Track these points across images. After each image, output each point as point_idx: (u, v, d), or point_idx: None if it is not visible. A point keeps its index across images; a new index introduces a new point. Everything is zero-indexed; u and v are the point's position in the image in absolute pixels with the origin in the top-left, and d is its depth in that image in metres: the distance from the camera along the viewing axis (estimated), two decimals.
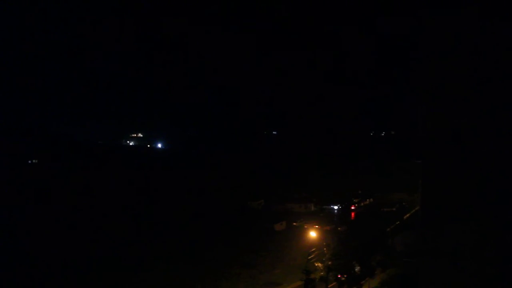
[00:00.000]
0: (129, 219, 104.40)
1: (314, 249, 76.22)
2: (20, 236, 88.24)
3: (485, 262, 43.94)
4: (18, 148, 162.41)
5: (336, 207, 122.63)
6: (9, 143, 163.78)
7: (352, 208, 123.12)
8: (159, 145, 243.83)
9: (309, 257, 72.63)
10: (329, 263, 58.40)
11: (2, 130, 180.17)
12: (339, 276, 56.53)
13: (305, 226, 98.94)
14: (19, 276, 69.95)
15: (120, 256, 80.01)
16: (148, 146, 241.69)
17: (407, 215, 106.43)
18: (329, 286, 58.66)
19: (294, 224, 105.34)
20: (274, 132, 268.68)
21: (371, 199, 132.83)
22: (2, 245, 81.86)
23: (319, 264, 61.02)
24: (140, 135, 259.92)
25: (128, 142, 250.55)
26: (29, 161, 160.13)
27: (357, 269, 56.05)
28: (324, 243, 67.31)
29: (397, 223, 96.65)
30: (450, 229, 50.81)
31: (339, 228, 73.20)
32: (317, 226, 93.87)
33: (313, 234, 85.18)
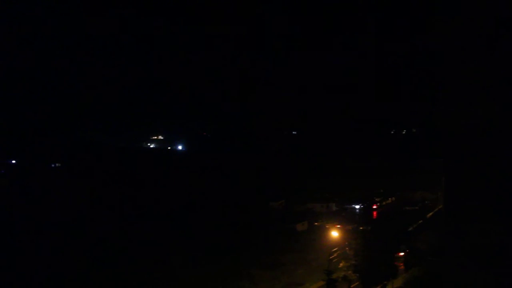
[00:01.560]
0: (150, 220, 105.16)
1: (336, 249, 75.91)
2: (47, 238, 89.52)
3: (510, 261, 43.34)
4: (41, 151, 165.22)
5: (357, 207, 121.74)
6: (32, 147, 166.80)
7: (374, 207, 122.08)
8: (180, 147, 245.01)
9: (331, 257, 72.35)
10: (352, 262, 58.17)
11: (25, 133, 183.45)
12: (361, 275, 56.27)
13: (327, 226, 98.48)
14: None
15: (140, 255, 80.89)
16: (169, 148, 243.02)
17: (430, 213, 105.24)
18: (351, 286, 58.43)
19: (316, 224, 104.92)
20: (294, 132, 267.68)
21: (393, 198, 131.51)
22: (31, 249, 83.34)
23: (342, 264, 60.83)
24: (160, 137, 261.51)
25: (148, 144, 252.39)
26: (52, 165, 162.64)
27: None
28: (346, 243, 67.06)
29: (420, 222, 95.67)
30: (474, 228, 50.19)
31: (361, 228, 72.58)
32: (338, 226, 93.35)
33: (335, 234, 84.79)
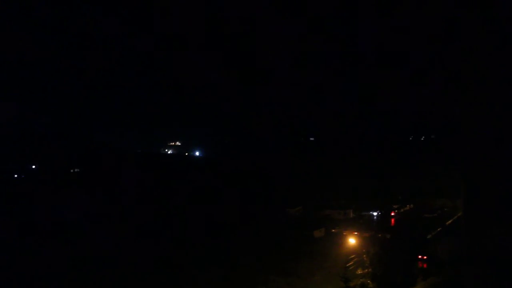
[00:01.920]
0: (168, 225, 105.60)
1: (353, 256, 75.25)
2: (66, 242, 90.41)
3: None
4: (60, 156, 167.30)
5: (375, 213, 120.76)
6: (52, 152, 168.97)
7: (392, 214, 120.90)
8: (197, 153, 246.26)
9: (348, 265, 71.72)
10: (369, 270, 57.57)
11: (45, 138, 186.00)
12: (378, 283, 55.64)
13: (344, 233, 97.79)
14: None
15: (159, 260, 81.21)
16: (186, 154, 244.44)
17: (449, 221, 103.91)
18: None
19: (333, 231, 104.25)
20: (311, 139, 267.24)
21: (412, 205, 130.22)
22: (50, 251, 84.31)
23: (359, 271, 60.25)
24: (178, 143, 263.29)
25: (166, 150, 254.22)
26: (71, 170, 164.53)
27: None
28: (364, 250, 66.41)
29: (439, 229, 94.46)
30: (495, 235, 49.32)
31: (378, 235, 71.84)
32: (356, 233, 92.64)
33: (352, 241, 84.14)
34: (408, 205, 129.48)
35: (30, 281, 71.80)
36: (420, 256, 63.12)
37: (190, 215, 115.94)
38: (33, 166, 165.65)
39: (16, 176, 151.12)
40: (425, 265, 61.33)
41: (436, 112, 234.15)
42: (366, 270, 58.66)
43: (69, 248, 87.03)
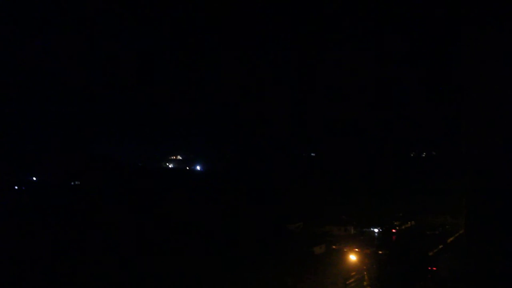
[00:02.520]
0: (165, 239, 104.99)
1: (354, 273, 74.73)
2: (66, 255, 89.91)
3: None
4: (61, 169, 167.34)
5: (376, 230, 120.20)
6: (52, 164, 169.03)
7: (393, 231, 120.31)
8: (198, 167, 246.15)
9: (348, 282, 71.17)
10: (370, 287, 57.14)
11: (46, 151, 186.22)
12: None
13: (345, 249, 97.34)
14: None
15: (156, 276, 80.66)
16: (187, 168, 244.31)
17: (451, 238, 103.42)
18: None
19: (334, 247, 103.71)
20: (312, 154, 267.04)
21: (413, 222, 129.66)
22: (49, 265, 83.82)
23: None
24: (179, 157, 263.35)
25: (167, 164, 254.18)
26: (72, 183, 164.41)
27: None
28: (364, 267, 65.98)
29: (440, 246, 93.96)
30: (497, 253, 48.94)
31: (379, 252, 71.49)
32: (357, 249, 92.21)
33: (353, 257, 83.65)
34: (409, 222, 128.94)
35: None
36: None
37: (189, 229, 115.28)
38: (34, 178, 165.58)
39: (16, 187, 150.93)
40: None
41: (437, 129, 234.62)
42: (366, 287, 58.15)
43: (67, 260, 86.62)
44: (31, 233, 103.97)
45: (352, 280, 73.03)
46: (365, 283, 59.51)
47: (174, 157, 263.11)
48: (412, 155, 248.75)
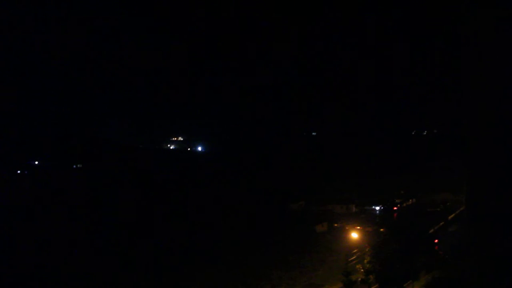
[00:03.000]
0: (171, 221, 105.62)
1: (355, 251, 75.32)
2: (67, 237, 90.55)
3: None
4: (62, 152, 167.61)
5: (378, 208, 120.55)
6: (54, 148, 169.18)
7: (395, 209, 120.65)
8: (199, 148, 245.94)
9: (350, 259, 71.75)
10: (370, 265, 57.53)
11: (47, 135, 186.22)
12: (378, 277, 55.68)
13: (347, 228, 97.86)
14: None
15: (162, 255, 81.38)
16: (189, 149, 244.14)
17: (452, 215, 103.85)
18: None
19: (335, 225, 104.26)
20: (313, 133, 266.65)
21: (414, 200, 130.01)
22: (52, 247, 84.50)
23: (360, 266, 60.25)
24: (180, 138, 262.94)
25: (168, 145, 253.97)
26: (74, 166, 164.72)
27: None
28: (366, 245, 66.41)
29: (441, 223, 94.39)
30: (498, 230, 49.20)
31: (381, 229, 71.82)
32: (358, 227, 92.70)
33: (354, 235, 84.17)
34: (410, 200, 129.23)
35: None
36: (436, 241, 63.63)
37: (192, 211, 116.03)
38: (36, 162, 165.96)
39: (19, 172, 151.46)
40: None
41: (438, 107, 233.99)
42: (368, 265, 58.61)
43: (70, 244, 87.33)
44: (34, 216, 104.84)
45: (353, 257, 73.62)
46: (366, 260, 59.99)
47: (176, 138, 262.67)
48: (413, 133, 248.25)
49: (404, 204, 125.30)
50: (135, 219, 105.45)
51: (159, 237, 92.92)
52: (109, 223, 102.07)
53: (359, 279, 58.70)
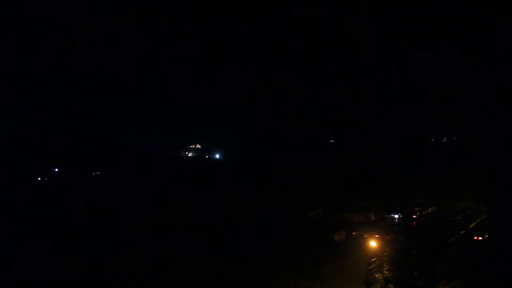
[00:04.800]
0: (188, 228, 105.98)
1: (374, 259, 74.64)
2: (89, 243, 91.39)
3: None
4: (82, 160, 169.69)
5: (396, 216, 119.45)
6: (74, 155, 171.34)
7: (414, 217, 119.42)
8: (217, 156, 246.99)
9: (369, 268, 71.16)
10: (389, 274, 56.98)
11: (68, 142, 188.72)
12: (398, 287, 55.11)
13: (365, 236, 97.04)
14: None
15: (178, 261, 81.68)
16: (207, 157, 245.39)
17: (473, 224, 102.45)
18: None
19: (354, 233, 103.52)
20: (331, 141, 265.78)
21: (434, 208, 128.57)
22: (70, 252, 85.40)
23: (379, 275, 59.69)
24: (198, 146, 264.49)
25: (186, 153, 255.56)
26: (93, 173, 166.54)
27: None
28: (385, 253, 65.77)
29: (461, 232, 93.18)
30: None
31: (400, 238, 71.16)
32: (377, 236, 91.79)
33: (373, 244, 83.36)
34: (430, 208, 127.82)
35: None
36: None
37: (210, 217, 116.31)
38: (56, 169, 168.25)
39: (39, 179, 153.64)
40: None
41: (458, 113, 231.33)
42: (386, 273, 58.05)
43: (85, 248, 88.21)
44: (53, 222, 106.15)
45: (373, 266, 72.95)
46: (385, 269, 59.43)
47: (193, 146, 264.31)
48: (432, 140, 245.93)
49: (424, 212, 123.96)
50: (153, 225, 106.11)
51: (177, 243, 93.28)
52: (128, 229, 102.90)
53: (379, 287, 58.18)
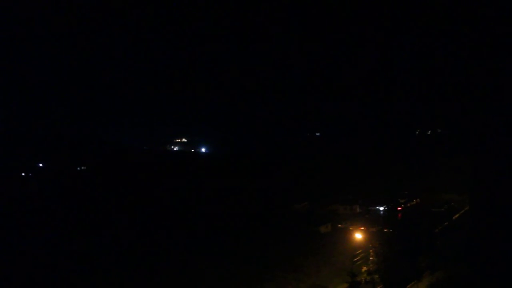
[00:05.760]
0: (175, 222, 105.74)
1: (360, 251, 75.29)
2: (73, 239, 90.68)
3: None
4: (67, 154, 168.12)
5: (382, 208, 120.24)
6: (58, 150, 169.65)
7: (399, 209, 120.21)
8: (203, 150, 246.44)
9: (355, 260, 71.79)
10: (375, 266, 57.52)
11: (52, 137, 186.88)
12: (383, 277, 55.64)
13: (351, 228, 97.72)
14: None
15: (167, 256, 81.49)
16: (192, 151, 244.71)
17: (456, 215, 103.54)
18: None
19: (340, 226, 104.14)
20: (317, 134, 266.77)
21: (418, 200, 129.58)
22: (57, 249, 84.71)
23: (365, 267, 60.27)
24: (184, 140, 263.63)
25: (172, 147, 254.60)
26: (78, 168, 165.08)
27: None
28: (370, 245, 66.36)
29: (445, 224, 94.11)
30: (502, 230, 49.06)
31: (385, 230, 71.75)
32: (362, 228, 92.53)
33: (358, 236, 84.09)
34: (415, 200, 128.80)
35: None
36: None
37: (196, 212, 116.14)
38: (40, 165, 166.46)
39: (23, 174, 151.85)
40: None
41: (442, 106, 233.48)
42: (372, 265, 58.61)
43: (77, 245, 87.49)
44: (39, 219, 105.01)
45: (358, 258, 73.56)
46: (370, 261, 60.02)
47: (179, 140, 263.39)
48: (417, 132, 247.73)
49: (408, 204, 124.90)
50: (139, 220, 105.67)
51: (162, 238, 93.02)
52: (113, 225, 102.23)
53: (364, 279, 58.68)
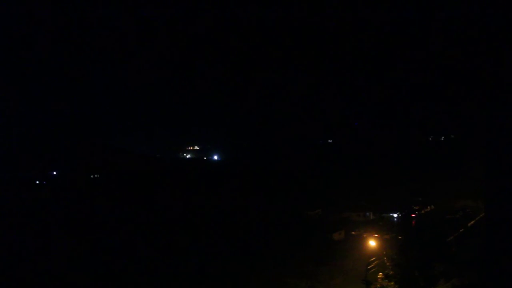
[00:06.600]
0: (186, 229, 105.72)
1: (374, 259, 74.57)
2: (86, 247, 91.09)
3: None
4: (80, 162, 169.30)
5: (395, 215, 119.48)
6: (72, 158, 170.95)
7: (413, 216, 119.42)
8: (215, 157, 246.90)
9: (369, 267, 71.08)
10: (390, 273, 56.85)
11: (66, 145, 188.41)
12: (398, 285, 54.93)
13: (364, 235, 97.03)
14: None
15: (177, 262, 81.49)
16: (205, 158, 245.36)
17: (472, 222, 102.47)
18: None
19: (353, 233, 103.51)
20: (329, 141, 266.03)
21: (432, 206, 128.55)
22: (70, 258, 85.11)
23: (380, 275, 59.63)
24: (196, 147, 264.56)
25: (184, 155, 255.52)
26: (91, 176, 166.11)
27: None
28: (384, 253, 65.69)
29: (461, 230, 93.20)
30: None
31: (399, 237, 71.08)
32: (376, 235, 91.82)
33: (372, 243, 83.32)
34: (429, 206, 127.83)
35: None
36: None
37: (209, 218, 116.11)
38: (54, 173, 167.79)
39: (37, 182, 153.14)
40: None
41: (455, 112, 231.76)
42: (386, 272, 57.95)
43: (88, 252, 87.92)
44: (52, 226, 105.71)
45: (372, 265, 72.88)
46: (384, 268, 59.36)
47: (191, 148, 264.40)
48: (430, 139, 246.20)
49: (422, 211, 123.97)
50: (151, 227, 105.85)
51: (175, 243, 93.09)
52: (129, 233, 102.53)
53: (378, 287, 58.05)
